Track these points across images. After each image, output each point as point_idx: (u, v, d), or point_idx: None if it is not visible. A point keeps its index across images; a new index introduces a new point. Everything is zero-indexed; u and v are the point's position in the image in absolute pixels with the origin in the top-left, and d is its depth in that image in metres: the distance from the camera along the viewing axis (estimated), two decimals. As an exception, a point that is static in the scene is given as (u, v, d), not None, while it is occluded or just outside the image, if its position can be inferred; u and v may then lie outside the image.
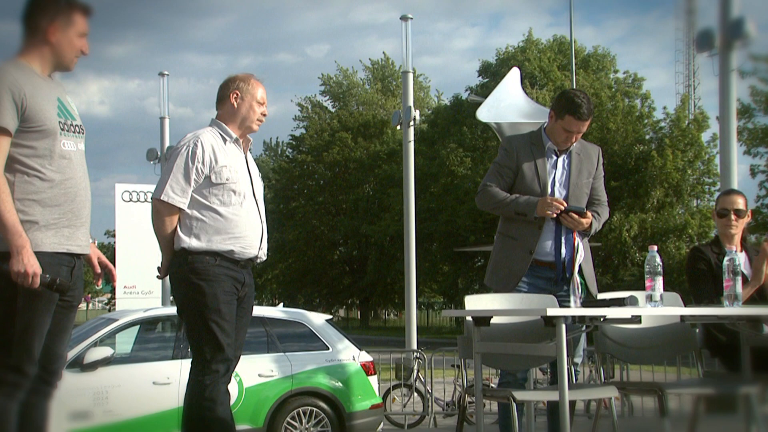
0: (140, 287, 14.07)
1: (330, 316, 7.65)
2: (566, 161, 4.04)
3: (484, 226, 28.00)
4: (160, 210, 3.45)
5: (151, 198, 3.46)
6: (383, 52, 44.01)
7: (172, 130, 15.42)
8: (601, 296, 3.71)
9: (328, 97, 42.77)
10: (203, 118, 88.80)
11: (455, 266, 31.69)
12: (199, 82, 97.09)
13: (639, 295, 3.52)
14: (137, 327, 6.89)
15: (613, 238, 25.83)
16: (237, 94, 3.59)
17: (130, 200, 14.32)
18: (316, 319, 7.32)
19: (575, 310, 3.26)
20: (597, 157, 4.10)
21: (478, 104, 8.07)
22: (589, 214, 3.95)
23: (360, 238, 38.66)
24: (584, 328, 3.44)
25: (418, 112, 11.73)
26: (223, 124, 3.59)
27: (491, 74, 31.94)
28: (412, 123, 11.60)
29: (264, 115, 3.64)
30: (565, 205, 3.89)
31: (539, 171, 3.98)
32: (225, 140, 3.56)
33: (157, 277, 3.60)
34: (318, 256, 39.06)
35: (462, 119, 30.75)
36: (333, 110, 42.49)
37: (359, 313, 46.06)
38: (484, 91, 27.93)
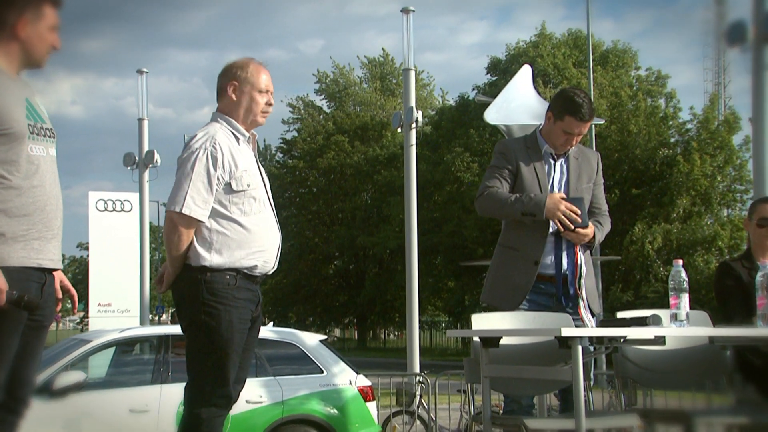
0: (116, 305, 14.07)
1: (324, 337, 7.64)
2: (564, 165, 4.06)
3: (493, 237, 27.89)
4: (179, 224, 3.32)
5: (166, 210, 3.34)
6: (382, 48, 44.30)
7: (151, 133, 15.48)
8: (621, 315, 3.70)
9: (322, 97, 42.87)
10: (186, 119, 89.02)
11: (461, 282, 31.68)
12: (182, 80, 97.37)
13: (663, 313, 3.51)
14: (113, 349, 6.88)
15: (635, 251, 25.83)
16: (235, 85, 3.49)
17: (105, 210, 14.34)
18: (309, 340, 7.31)
19: (593, 330, 3.26)
20: (597, 162, 4.14)
21: (487, 105, 8.09)
22: (591, 225, 3.96)
23: (357, 250, 38.66)
24: (603, 349, 3.44)
25: (420, 113, 11.73)
26: (233, 121, 3.49)
27: (500, 72, 32.03)
28: (414, 125, 11.61)
29: (269, 104, 3.54)
30: (579, 212, 3.91)
31: (539, 174, 4.01)
32: (238, 139, 3.47)
33: (157, 289, 3.54)
34: (311, 271, 39.05)
35: (468, 121, 30.81)
36: (328, 111, 42.57)
37: (356, 332, 46.00)
38: (492, 90, 27.98)
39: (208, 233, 3.37)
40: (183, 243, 3.34)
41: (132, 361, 7.09)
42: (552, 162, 4.05)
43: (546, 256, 3.96)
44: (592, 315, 3.94)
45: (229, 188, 3.38)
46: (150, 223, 17.20)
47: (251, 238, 3.40)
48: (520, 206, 3.92)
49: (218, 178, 3.35)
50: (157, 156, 15.50)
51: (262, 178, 3.52)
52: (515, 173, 4.02)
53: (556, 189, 4.01)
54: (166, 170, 15.60)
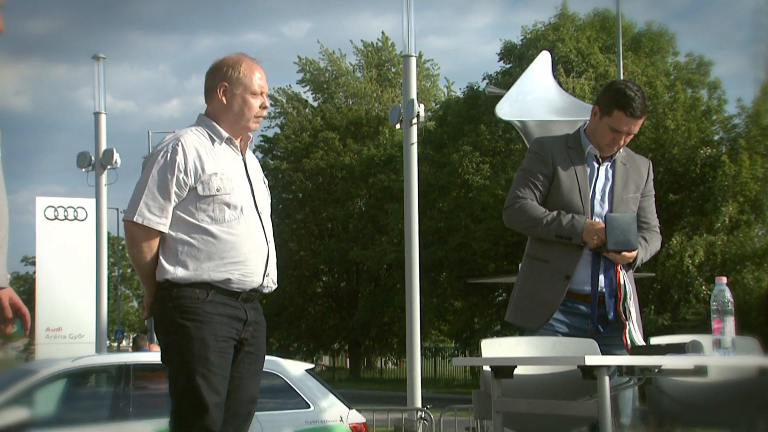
0: (67, 329, 14.05)
1: (311, 365, 7.66)
2: (611, 171, 4.09)
3: (507, 250, 28.01)
4: (135, 235, 3.45)
5: (123, 219, 3.48)
6: (382, 32, 44.24)
7: (110, 129, 15.51)
8: (656, 341, 3.70)
9: (308, 88, 42.94)
10: (150, 114, 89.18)
11: (470, 302, 31.67)
12: (146, 68, 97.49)
13: (705, 339, 3.52)
14: (64, 381, 6.87)
15: (672, 267, 25.84)
16: (225, 87, 3.58)
17: (56, 218, 14.32)
18: (294, 369, 7.32)
19: (621, 358, 3.26)
20: (647, 170, 4.18)
21: (499, 97, 8.09)
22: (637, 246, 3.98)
23: (349, 265, 38.66)
24: (634, 381, 3.43)
25: (422, 106, 11.77)
26: (213, 122, 3.58)
27: (515, 59, 32.09)
28: (415, 120, 11.64)
29: (264, 107, 3.62)
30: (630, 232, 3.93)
31: (579, 179, 4.02)
32: (213, 141, 3.56)
33: (142, 317, 3.65)
34: (296, 289, 39.05)
35: (478, 116, 30.85)
36: (315, 104, 42.64)
37: (348, 360, 45.95)
38: (506, 80, 28.03)
39: (174, 243, 3.45)
40: (144, 256, 3.44)
41: (87, 395, 7.09)
42: (596, 165, 4.08)
43: (580, 270, 3.99)
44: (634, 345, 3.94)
45: (195, 194, 3.46)
46: (108, 233, 17.18)
47: (222, 248, 3.45)
48: (557, 228, 3.98)
49: (179, 182, 3.44)
50: (116, 156, 15.52)
51: (250, 183, 3.58)
52: (551, 178, 4.05)
53: (598, 197, 4.05)
54: (126, 172, 15.66)
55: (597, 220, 4.01)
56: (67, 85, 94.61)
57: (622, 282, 3.99)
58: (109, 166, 15.60)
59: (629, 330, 3.97)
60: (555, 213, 3.99)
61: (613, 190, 4.06)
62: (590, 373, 3.11)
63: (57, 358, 7.38)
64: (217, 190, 3.46)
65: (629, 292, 4.01)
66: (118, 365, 6.93)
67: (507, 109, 7.56)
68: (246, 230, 3.50)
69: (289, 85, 43.72)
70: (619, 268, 4.00)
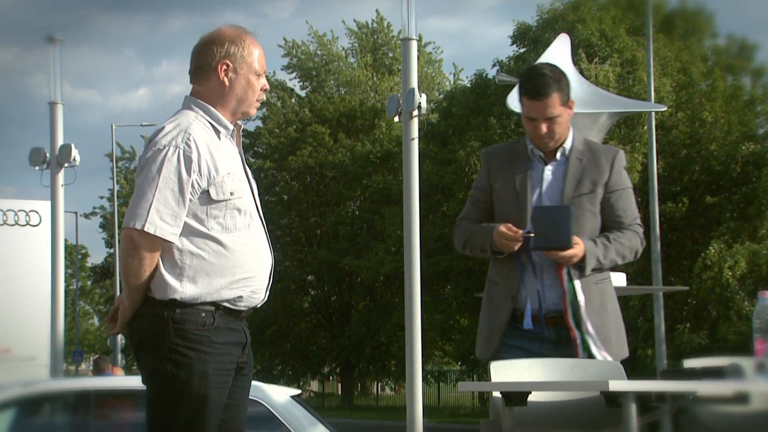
0: (18, 350, 14.01)
1: (298, 391, 7.67)
2: (561, 169, 4.14)
3: (522, 260, 27.96)
4: (140, 245, 3.35)
5: (124, 227, 3.38)
6: (376, 11, 44.41)
7: (67, 122, 15.45)
8: (690, 363, 3.70)
9: (294, 75, 43.02)
10: (114, 104, 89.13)
11: (477, 319, 31.65)
12: (110, 52, 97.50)
13: (746, 362, 3.52)
14: (13, 410, 6.85)
15: (710, 279, 25.86)
16: (228, 65, 3.52)
17: (4, 223, 14.30)
18: (278, 396, 7.31)
19: (651, 383, 3.26)
20: (611, 162, 4.18)
21: (511, 86, 8.11)
22: (582, 243, 3.97)
23: (341, 276, 38.70)
24: (666, 409, 3.43)
25: (425, 96, 11.71)
26: (212, 109, 3.52)
27: (530, 42, 32.14)
28: (416, 112, 11.60)
29: (265, 90, 3.60)
30: (520, 232, 3.99)
31: (518, 186, 4.11)
32: (218, 133, 3.51)
33: (108, 330, 3.55)
34: (281, 304, 39.03)
35: (488, 107, 30.89)
36: (302, 94, 42.69)
37: (340, 385, 45.97)
38: (519, 66, 28.06)
39: (179, 256, 3.38)
40: (145, 270, 3.36)
41: (40, 425, 7.06)
42: (542, 167, 4.16)
43: (526, 288, 4.06)
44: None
45: (207, 197, 3.40)
46: (66, 241, 17.15)
47: (235, 261, 3.42)
48: (476, 242, 4.13)
49: (193, 185, 3.38)
50: (75, 152, 15.47)
51: (249, 182, 3.56)
52: (489, 191, 4.19)
53: (544, 200, 4.10)
54: (86, 171, 15.65)
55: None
56: (17, 71, 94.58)
57: (567, 291, 4.00)
58: (66, 164, 15.54)
59: (582, 343, 3.96)
60: (476, 227, 4.15)
61: (563, 191, 4.10)
62: (615, 400, 3.11)
63: (5, 383, 7.36)
64: (231, 194, 3.43)
65: (581, 303, 4.00)
66: (76, 392, 6.92)
67: (520, 99, 7.57)
68: (254, 239, 3.49)
69: (273, 72, 43.72)
70: (563, 274, 4.01)
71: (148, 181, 3.37)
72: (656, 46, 27.53)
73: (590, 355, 3.98)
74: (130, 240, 3.36)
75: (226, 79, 3.52)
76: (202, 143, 3.41)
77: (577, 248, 3.98)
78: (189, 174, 3.36)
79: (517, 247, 4.00)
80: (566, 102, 4.15)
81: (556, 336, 4.04)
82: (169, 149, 3.38)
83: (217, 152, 3.45)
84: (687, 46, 31.51)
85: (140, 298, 3.39)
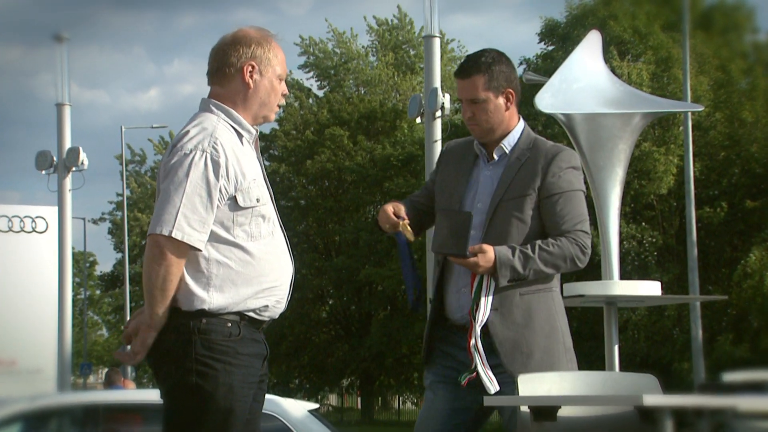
0: (24, 363, 14.08)
1: (316, 405, 7.72)
2: (500, 169, 4.12)
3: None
4: (167, 252, 3.36)
5: (150, 233, 3.40)
6: (398, 7, 44.28)
7: (75, 124, 15.59)
8: (730, 377, 3.68)
9: (312, 74, 43.09)
10: (124, 105, 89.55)
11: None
12: (119, 50, 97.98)
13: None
14: (18, 425, 6.89)
15: (751, 288, 25.73)
16: (253, 67, 3.56)
17: (10, 230, 14.37)
18: (295, 410, 7.34)
19: (688, 398, 3.24)
20: (548, 163, 4.08)
21: (539, 85, 8.08)
22: (488, 249, 3.92)
23: (360, 286, 38.70)
24: (705, 425, 3.42)
25: (448, 96, 11.76)
26: (234, 112, 3.56)
27: (558, 40, 32.10)
28: (439, 113, 11.64)
29: (285, 95, 3.65)
30: (400, 216, 4.01)
31: (458, 185, 4.12)
32: (241, 137, 3.55)
33: (129, 359, 3.47)
34: (297, 315, 39.07)
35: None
36: (320, 94, 42.75)
37: (359, 399, 45.94)
38: (547, 65, 28.02)
39: (206, 264, 3.42)
40: (171, 279, 3.37)
41: (47, 440, 7.09)
42: (483, 165, 4.17)
43: (448, 291, 4.10)
44: (511, 378, 3.90)
45: (234, 204, 3.44)
46: (73, 248, 17.25)
47: (261, 270, 3.47)
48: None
49: (221, 191, 3.41)
50: (83, 155, 15.61)
51: (268, 189, 3.60)
52: (431, 188, 4.24)
53: (477, 202, 4.10)
54: (95, 175, 15.75)
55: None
56: (23, 71, 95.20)
57: (475, 303, 3.97)
58: (74, 168, 15.68)
59: (475, 368, 3.94)
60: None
61: (493, 194, 4.07)
62: (650, 415, 3.10)
63: (11, 397, 7.40)
64: (257, 200, 3.47)
65: (482, 315, 3.95)
66: (84, 406, 6.95)
67: (549, 100, 7.55)
68: (277, 247, 3.54)
69: (290, 72, 43.85)
70: (473, 283, 3.98)
71: (175, 186, 3.39)
72: (693, 42, 27.42)
73: (480, 376, 3.95)
74: (157, 246, 3.36)
75: (251, 81, 3.56)
76: (228, 147, 3.45)
77: (483, 257, 3.91)
78: (217, 179, 3.40)
79: (388, 227, 4.04)
80: (497, 90, 4.10)
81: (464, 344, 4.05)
82: (195, 153, 3.41)
83: (243, 158, 3.49)
84: (726, 43, 31.34)
85: (164, 315, 3.39)
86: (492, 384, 3.91)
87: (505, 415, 4.03)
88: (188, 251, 3.38)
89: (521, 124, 4.21)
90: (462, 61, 4.19)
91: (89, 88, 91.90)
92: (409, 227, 4.03)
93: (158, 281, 3.36)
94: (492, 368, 3.94)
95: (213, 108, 3.56)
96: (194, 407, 3.38)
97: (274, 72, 3.59)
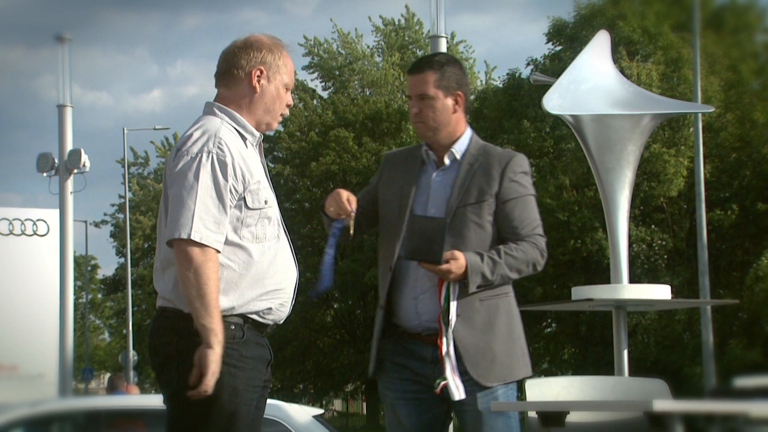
0: (25, 367, 14.09)
1: (321, 411, 7.71)
2: (451, 175, 4.13)
3: (556, 271, 27.95)
4: (192, 255, 3.36)
5: (167, 240, 3.41)
6: (405, 7, 44.31)
7: (77, 126, 15.62)
8: (742, 382, 3.67)
9: (316, 75, 43.11)
10: (127, 106, 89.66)
11: (514, 335, 31.62)
12: (121, 51, 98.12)
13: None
14: (19, 431, 6.88)
15: (763, 292, 25.70)
16: (261, 72, 3.60)
17: (11, 233, 14.39)
18: (300, 415, 7.33)
19: (698, 403, 3.24)
20: (503, 168, 4.12)
21: (547, 86, 8.10)
22: (459, 255, 3.93)
23: (365, 289, 38.68)
24: None
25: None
26: (237, 115, 3.59)
27: (566, 40, 32.09)
28: (445, 113, 11.59)
29: (289, 105, 3.69)
30: (351, 208, 3.98)
31: (403, 193, 4.12)
32: (245, 140, 3.58)
33: (192, 394, 3.37)
34: (301, 319, 39.10)
35: (521, 109, 30.86)
36: (324, 95, 42.77)
37: (364, 405, 45.93)
38: (555, 65, 28.01)
39: None
40: (206, 283, 3.32)
41: (48, 446, 7.09)
42: (432, 171, 4.17)
43: (406, 296, 4.08)
44: (478, 385, 3.95)
45: (242, 205, 3.47)
46: (74, 251, 17.25)
47: (264, 272, 3.49)
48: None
49: (231, 191, 3.44)
50: (84, 157, 15.62)
51: (273, 192, 3.63)
52: (374, 195, 4.23)
53: (430, 208, 4.10)
54: (97, 177, 15.77)
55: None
56: (24, 72, 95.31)
57: (443, 309, 3.97)
58: (75, 170, 15.70)
59: (447, 376, 3.94)
60: None
61: (449, 200, 4.08)
62: (659, 421, 3.10)
63: (11, 402, 7.40)
64: (265, 202, 3.51)
65: (450, 322, 3.96)
66: (86, 411, 6.95)
67: (556, 101, 7.56)
68: (283, 250, 3.56)
69: (294, 72, 43.90)
70: (442, 289, 3.99)
71: (187, 190, 3.41)
72: (704, 42, 27.43)
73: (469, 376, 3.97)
74: (181, 253, 3.38)
75: (257, 86, 3.59)
76: (233, 148, 3.48)
77: (455, 264, 3.94)
78: (226, 179, 3.43)
79: (333, 211, 4.01)
80: (447, 90, 4.12)
81: (433, 356, 4.02)
82: (202, 156, 3.44)
83: (248, 159, 3.52)
84: (737, 43, 31.33)
85: (217, 328, 3.33)
86: (458, 391, 3.93)
87: (468, 424, 4.03)
88: (214, 254, 3.39)
89: (469, 130, 4.23)
90: (420, 59, 4.26)
91: (91, 89, 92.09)
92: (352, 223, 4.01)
93: (193, 290, 3.35)
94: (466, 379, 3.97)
95: (216, 111, 3.59)
96: (197, 411, 3.39)
97: (282, 80, 3.63)
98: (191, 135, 3.50)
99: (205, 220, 3.38)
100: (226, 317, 3.41)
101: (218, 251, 3.40)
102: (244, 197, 3.47)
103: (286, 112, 3.68)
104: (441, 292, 3.99)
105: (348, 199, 3.98)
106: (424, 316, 4.02)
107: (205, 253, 3.37)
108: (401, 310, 4.08)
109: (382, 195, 4.20)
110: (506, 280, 4.05)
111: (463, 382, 3.95)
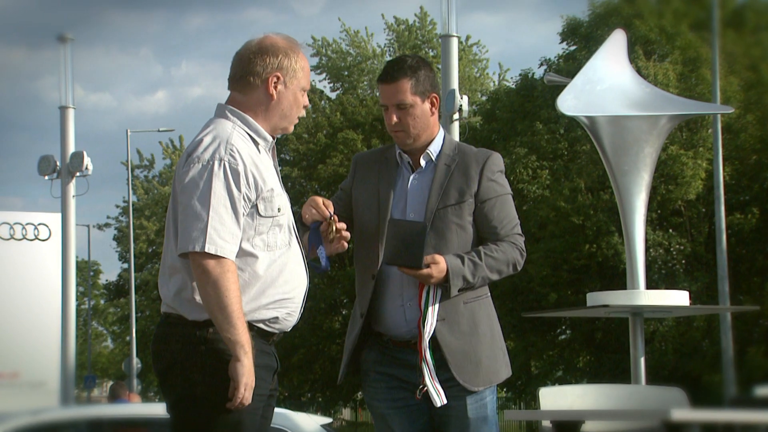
0: (26, 375, 14.12)
1: (329, 420, 7.73)
2: (428, 177, 4.13)
3: (571, 277, 27.95)
4: (209, 269, 3.37)
5: (180, 253, 3.41)
6: (420, 7, 44.30)
7: (79, 128, 15.64)
8: (762, 391, 3.67)
9: (324, 76, 43.13)
10: (131, 108, 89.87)
11: (525, 341, 31.56)
12: (125, 52, 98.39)
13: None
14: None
15: (781, 298, 25.66)
16: (278, 78, 3.59)
17: (12, 238, 14.42)
18: (308, 425, 7.35)
19: (717, 413, 3.23)
20: (481, 168, 4.14)
21: (561, 87, 8.10)
22: (440, 260, 3.95)
23: (376, 297, 38.67)
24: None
25: (467, 98, 11.78)
26: (250, 119, 3.58)
27: (581, 39, 32.07)
28: (456, 116, 11.64)
29: (306, 107, 3.68)
30: (329, 213, 3.94)
31: (381, 196, 4.12)
32: (257, 145, 3.57)
33: (240, 393, 3.35)
34: (309, 326, 39.11)
35: (535, 110, 30.84)
36: (333, 96, 42.81)
37: (374, 416, 45.88)
38: (569, 66, 27.99)
39: None
40: (226, 295, 3.33)
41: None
42: (409, 174, 4.17)
43: (392, 304, 4.08)
44: (464, 390, 3.99)
45: (255, 213, 3.48)
46: (77, 256, 17.28)
47: (274, 281, 3.50)
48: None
49: (244, 199, 3.44)
50: (87, 160, 15.65)
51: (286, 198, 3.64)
52: (348, 199, 4.22)
53: (409, 212, 4.10)
54: (100, 181, 15.81)
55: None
56: (25, 73, 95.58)
57: (423, 314, 3.98)
58: (78, 173, 15.72)
59: (426, 382, 3.96)
60: None
61: (427, 203, 4.09)
62: (678, 430, 3.09)
63: (12, 411, 7.42)
64: (278, 210, 3.51)
65: (430, 326, 3.98)
66: (88, 420, 6.97)
67: (571, 102, 7.56)
68: (294, 257, 3.57)
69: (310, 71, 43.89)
70: (422, 294, 4.00)
71: (199, 200, 3.41)
72: (723, 42, 27.37)
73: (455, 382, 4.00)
74: (197, 267, 3.38)
75: (274, 92, 3.59)
76: (245, 154, 3.47)
77: (436, 268, 3.96)
78: (239, 188, 3.43)
79: (309, 218, 3.94)
80: (423, 95, 4.13)
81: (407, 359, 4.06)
82: (213, 163, 3.43)
83: (260, 164, 3.51)
84: (758, 41, 31.26)
85: (243, 339, 3.34)
86: (440, 397, 3.96)
87: (452, 430, 4.05)
88: (231, 265, 3.39)
89: (442, 130, 4.24)
90: (385, 66, 4.21)
91: (94, 90, 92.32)
92: (335, 224, 3.96)
93: (213, 304, 3.35)
94: (443, 382, 3.98)
95: (229, 114, 3.58)
96: (202, 420, 3.40)
97: (299, 84, 3.62)
98: (202, 140, 3.49)
99: (219, 231, 3.38)
100: None
101: (233, 262, 3.40)
102: (257, 205, 3.47)
103: (303, 113, 3.68)
104: (421, 296, 4.00)
105: (324, 204, 3.96)
106: (414, 323, 4.03)
107: (222, 265, 3.37)
108: (387, 317, 4.09)
109: (357, 200, 4.20)
110: (487, 282, 4.09)
111: (450, 387, 3.98)
